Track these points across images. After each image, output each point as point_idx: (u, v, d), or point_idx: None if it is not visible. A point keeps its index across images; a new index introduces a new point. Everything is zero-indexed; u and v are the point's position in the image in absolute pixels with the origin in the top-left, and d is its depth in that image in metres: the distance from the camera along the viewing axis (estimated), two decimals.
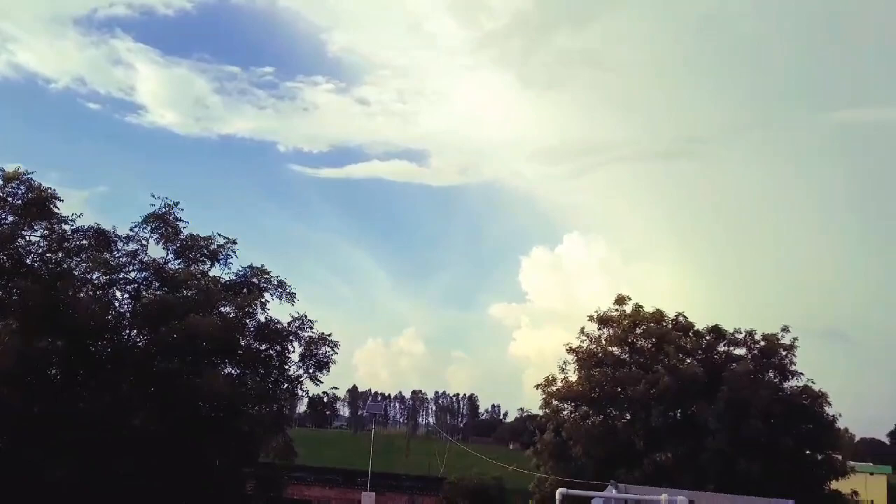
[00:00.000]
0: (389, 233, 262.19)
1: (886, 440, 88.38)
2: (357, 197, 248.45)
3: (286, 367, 33.14)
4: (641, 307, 50.11)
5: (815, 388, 46.84)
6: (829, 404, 46.75)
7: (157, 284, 32.63)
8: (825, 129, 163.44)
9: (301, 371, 33.00)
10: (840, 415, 47.89)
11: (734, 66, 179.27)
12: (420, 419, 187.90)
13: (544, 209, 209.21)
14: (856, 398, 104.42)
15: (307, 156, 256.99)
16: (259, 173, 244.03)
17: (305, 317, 33.30)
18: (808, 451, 46.72)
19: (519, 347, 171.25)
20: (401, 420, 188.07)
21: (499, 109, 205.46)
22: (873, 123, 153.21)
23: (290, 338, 32.97)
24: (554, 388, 49.60)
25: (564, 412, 49.73)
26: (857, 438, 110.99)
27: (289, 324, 33.18)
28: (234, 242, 33.68)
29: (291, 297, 33.90)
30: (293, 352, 33.20)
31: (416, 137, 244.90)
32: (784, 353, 47.57)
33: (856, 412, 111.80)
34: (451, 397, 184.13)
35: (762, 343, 48.32)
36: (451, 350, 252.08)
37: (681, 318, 49.83)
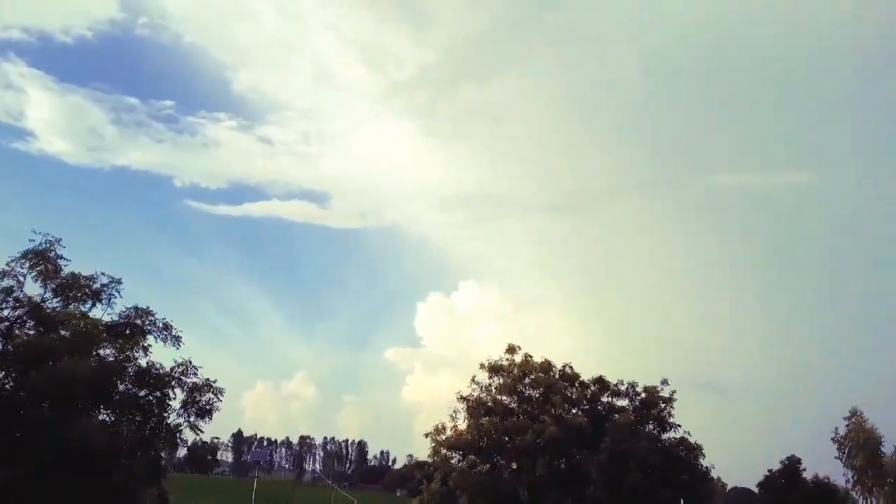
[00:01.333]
0: (286, 273, 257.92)
1: (756, 489, 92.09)
2: (254, 235, 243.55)
3: (166, 414, 31.73)
4: (531, 357, 51.16)
5: (692, 439, 48.95)
6: (704, 455, 48.88)
7: (32, 324, 30.77)
8: (703, 192, 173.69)
9: (181, 419, 31.66)
10: (713, 466, 50.24)
11: (624, 128, 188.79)
12: (307, 465, 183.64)
13: (442, 256, 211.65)
14: (729, 449, 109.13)
15: (204, 192, 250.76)
16: (153, 208, 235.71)
17: (190, 362, 32.07)
18: (683, 501, 48.52)
19: (412, 393, 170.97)
20: (286, 466, 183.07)
21: (402, 157, 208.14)
22: (746, 188, 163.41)
23: (172, 384, 31.64)
24: (443, 437, 49.64)
25: (453, 460, 49.80)
26: (729, 487, 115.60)
27: (172, 369, 31.86)
28: (119, 282, 32.28)
29: (176, 340, 32.59)
30: (174, 398, 31.88)
31: (318, 179, 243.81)
32: (663, 405, 49.53)
33: (729, 462, 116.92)
34: (339, 443, 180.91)
35: (643, 395, 50.14)
36: (342, 394, 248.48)
37: (568, 369, 51.14)
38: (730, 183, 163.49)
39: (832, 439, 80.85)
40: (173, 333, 32.56)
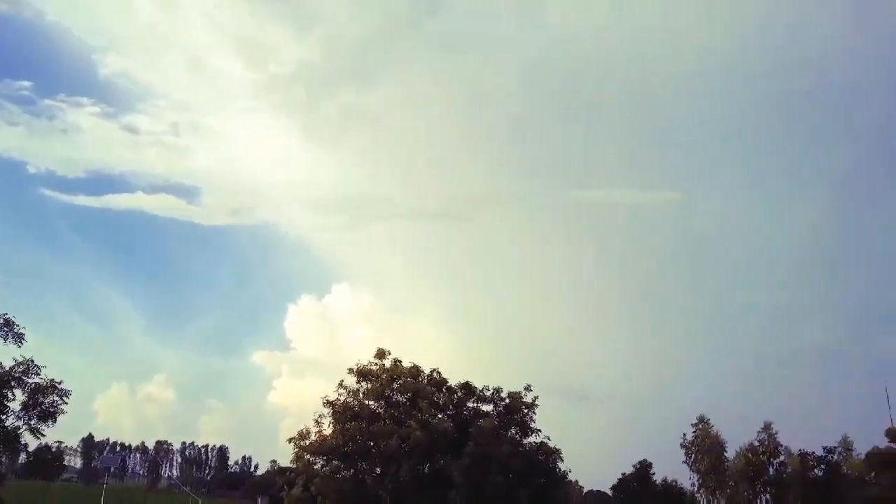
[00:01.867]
0: (149, 271, 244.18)
1: (610, 492, 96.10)
2: (115, 229, 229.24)
3: (3, 416, 29.40)
4: (400, 362, 51.12)
5: (551, 444, 50.39)
6: (562, 459, 50.42)
7: None
8: (574, 205, 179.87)
9: (21, 422, 29.42)
10: (570, 470, 51.96)
11: (500, 139, 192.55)
12: (163, 471, 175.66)
13: (316, 258, 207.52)
14: (588, 453, 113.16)
15: (61, 180, 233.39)
16: (3, 195, 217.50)
17: (32, 361, 29.95)
18: None
19: (279, 397, 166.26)
20: (141, 472, 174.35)
21: (278, 155, 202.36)
22: (615, 203, 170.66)
23: (12, 384, 29.39)
24: (307, 442, 48.71)
25: (316, 466, 48.96)
26: (585, 490, 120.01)
27: (11, 368, 29.62)
28: None
29: (18, 337, 30.35)
30: (13, 399, 29.60)
31: (187, 173, 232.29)
32: (526, 410, 50.71)
33: (587, 466, 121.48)
34: (199, 448, 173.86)
35: (508, 400, 51.16)
36: (206, 398, 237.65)
37: (435, 374, 51.45)
38: (600, 198, 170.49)
39: (681, 445, 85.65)
40: (15, 330, 30.29)
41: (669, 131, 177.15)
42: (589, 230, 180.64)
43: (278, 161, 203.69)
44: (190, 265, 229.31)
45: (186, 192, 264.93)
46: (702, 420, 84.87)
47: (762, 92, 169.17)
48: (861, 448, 70.96)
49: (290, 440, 49.69)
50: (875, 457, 60.13)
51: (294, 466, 50.28)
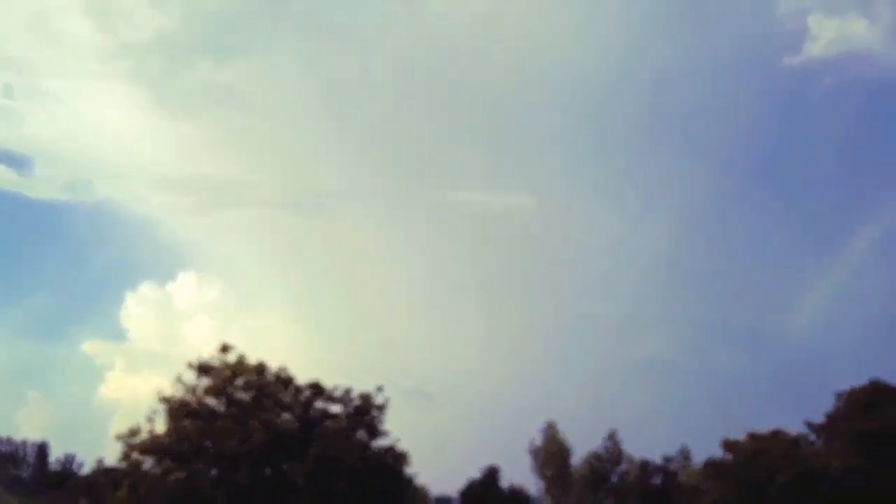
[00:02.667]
0: None
1: (457, 497, 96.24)
2: None
3: None
4: (245, 357, 48.06)
5: (400, 447, 48.95)
6: (410, 463, 49.11)
7: None
8: (438, 205, 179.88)
9: None
10: (418, 473, 50.77)
11: (367, 131, 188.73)
12: None
13: (160, 242, 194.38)
14: (439, 458, 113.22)
15: None
16: None
17: None
18: None
19: (110, 391, 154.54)
20: None
21: (126, 127, 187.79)
22: (479, 205, 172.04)
23: None
24: (137, 440, 44.71)
25: (146, 466, 45.12)
26: (432, 494, 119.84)
27: None
28: None
29: None
30: None
31: (19, 140, 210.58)
32: (376, 412, 49.01)
33: (438, 471, 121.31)
34: (16, 444, 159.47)
35: (358, 401, 49.25)
36: (26, 389, 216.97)
37: (283, 372, 48.74)
38: (459, 199, 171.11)
39: (528, 451, 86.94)
40: None
41: (534, 137, 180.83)
42: (446, 231, 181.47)
43: (126, 134, 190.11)
44: (15, 242, 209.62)
45: (17, 162, 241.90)
46: (550, 426, 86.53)
47: (623, 107, 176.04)
48: (699, 458, 74.12)
49: (117, 437, 45.43)
50: (710, 466, 62.85)
51: (121, 466, 46.22)
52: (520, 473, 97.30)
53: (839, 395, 64.00)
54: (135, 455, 44.55)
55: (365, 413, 48.90)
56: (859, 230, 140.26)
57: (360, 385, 50.19)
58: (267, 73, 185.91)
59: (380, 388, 49.35)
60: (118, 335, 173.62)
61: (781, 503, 55.26)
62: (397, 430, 49.79)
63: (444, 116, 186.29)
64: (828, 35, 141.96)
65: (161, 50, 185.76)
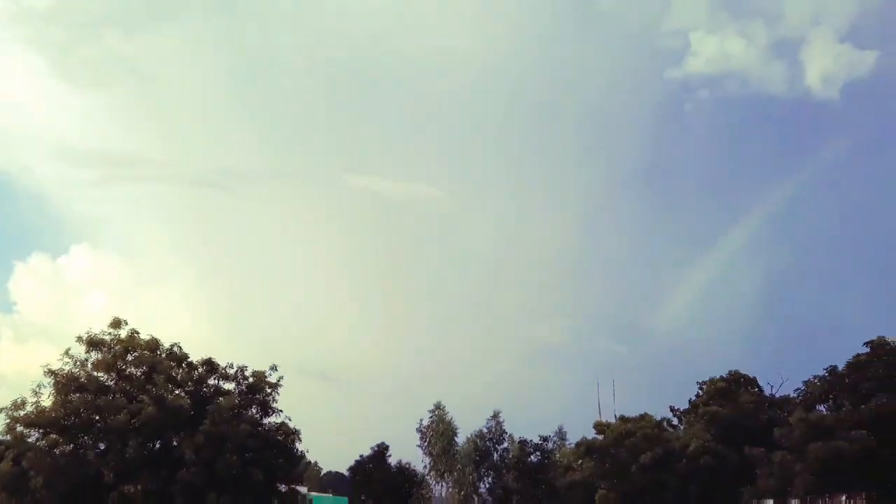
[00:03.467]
0: None
1: (347, 473, 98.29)
2: None
3: None
4: (137, 333, 48.51)
5: (291, 425, 50.55)
6: (300, 440, 50.79)
7: None
8: (344, 190, 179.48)
9: None
10: (308, 450, 52.53)
11: (278, 111, 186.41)
12: None
13: (54, 213, 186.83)
14: (332, 435, 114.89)
15: None
16: None
17: None
18: (277, 484, 49.98)
19: None
20: None
21: (24, 95, 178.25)
22: (385, 193, 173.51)
23: None
24: (22, 413, 44.62)
25: (31, 439, 45.10)
26: (324, 471, 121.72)
27: None
28: None
29: None
30: None
31: None
32: (269, 390, 50.46)
33: (330, 448, 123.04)
34: None
35: (251, 379, 50.56)
36: None
37: (176, 349, 49.46)
38: (368, 185, 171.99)
39: (417, 429, 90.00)
40: None
41: (439, 128, 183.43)
42: (351, 216, 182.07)
43: (23, 102, 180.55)
44: None
45: None
46: (438, 406, 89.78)
47: (523, 105, 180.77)
48: (573, 438, 78.92)
49: (0, 410, 45.22)
50: (581, 446, 67.42)
51: (5, 439, 46.00)
52: (408, 451, 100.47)
53: (701, 384, 70.01)
54: (19, 428, 44.52)
55: (258, 391, 50.35)
56: (727, 232, 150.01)
57: (259, 365, 51.61)
58: (176, 47, 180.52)
59: (273, 367, 50.88)
60: (5, 306, 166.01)
61: (642, 479, 60.29)
62: (292, 408, 51.51)
63: (352, 102, 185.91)
64: (707, 52, 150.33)
65: (65, 18, 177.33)
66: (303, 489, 55.07)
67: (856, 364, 58.27)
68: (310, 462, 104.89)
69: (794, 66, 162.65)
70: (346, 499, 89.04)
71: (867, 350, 58.18)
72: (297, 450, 50.75)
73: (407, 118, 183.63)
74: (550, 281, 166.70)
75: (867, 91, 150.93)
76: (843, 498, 50.44)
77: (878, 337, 58.37)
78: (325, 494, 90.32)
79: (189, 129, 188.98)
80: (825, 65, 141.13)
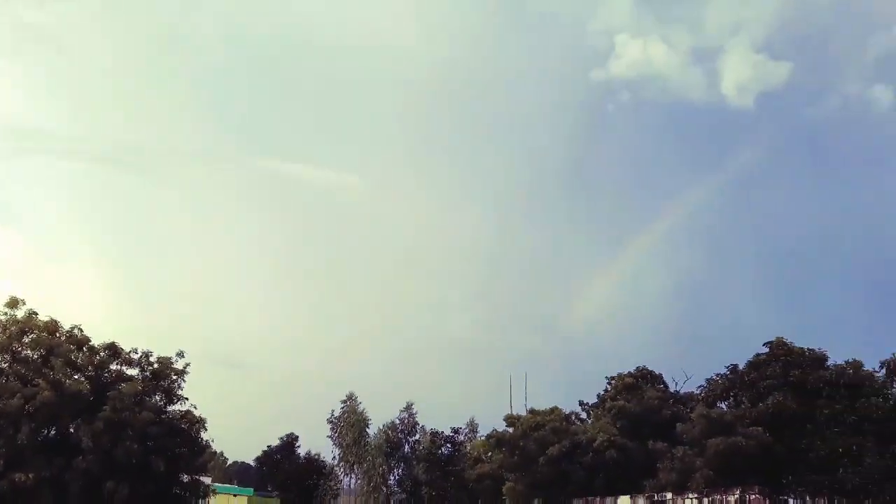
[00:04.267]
0: None
1: (254, 464, 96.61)
2: None
3: None
4: (36, 314, 46.13)
5: (197, 413, 49.09)
6: (206, 429, 49.41)
7: None
8: (260, 174, 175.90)
9: None
10: (213, 440, 51.17)
11: (195, 89, 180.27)
12: None
13: None
14: (241, 425, 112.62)
15: None
16: None
17: None
18: (180, 474, 48.46)
19: None
20: None
21: None
22: (303, 179, 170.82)
23: None
24: None
25: None
26: (229, 462, 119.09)
27: None
28: None
29: None
30: None
31: None
32: (175, 377, 48.83)
33: (238, 438, 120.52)
34: None
35: (156, 365, 48.83)
36: None
37: (77, 332, 47.28)
38: (289, 171, 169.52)
39: (328, 420, 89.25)
40: None
41: (364, 119, 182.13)
42: (270, 202, 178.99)
43: None
44: None
45: None
46: (350, 397, 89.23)
47: (449, 101, 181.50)
48: (485, 430, 79.73)
49: None
50: (492, 438, 68.04)
51: None
52: (318, 442, 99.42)
53: (609, 379, 71.74)
54: None
55: (163, 377, 48.66)
56: (641, 232, 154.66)
57: (165, 350, 49.87)
58: (91, 18, 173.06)
59: (180, 354, 49.28)
60: None
61: (549, 471, 61.28)
62: (199, 396, 50.05)
63: (275, 87, 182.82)
64: (631, 55, 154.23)
65: None
66: (207, 479, 53.45)
67: (755, 363, 60.65)
68: (215, 452, 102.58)
69: (712, 73, 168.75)
70: (251, 490, 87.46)
71: (766, 350, 60.64)
72: (202, 439, 49.50)
73: (328, 106, 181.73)
74: (467, 273, 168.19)
75: (779, 101, 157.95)
76: (738, 491, 52.45)
77: (777, 338, 60.91)
78: (230, 485, 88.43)
79: (100, 103, 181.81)
80: (741, 74, 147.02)
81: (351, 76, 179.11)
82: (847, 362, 58.43)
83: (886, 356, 56.20)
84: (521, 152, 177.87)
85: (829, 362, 59.35)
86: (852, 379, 56.79)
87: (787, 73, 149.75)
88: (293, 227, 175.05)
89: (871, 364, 57.74)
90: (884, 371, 56.60)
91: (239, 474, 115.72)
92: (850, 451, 53.46)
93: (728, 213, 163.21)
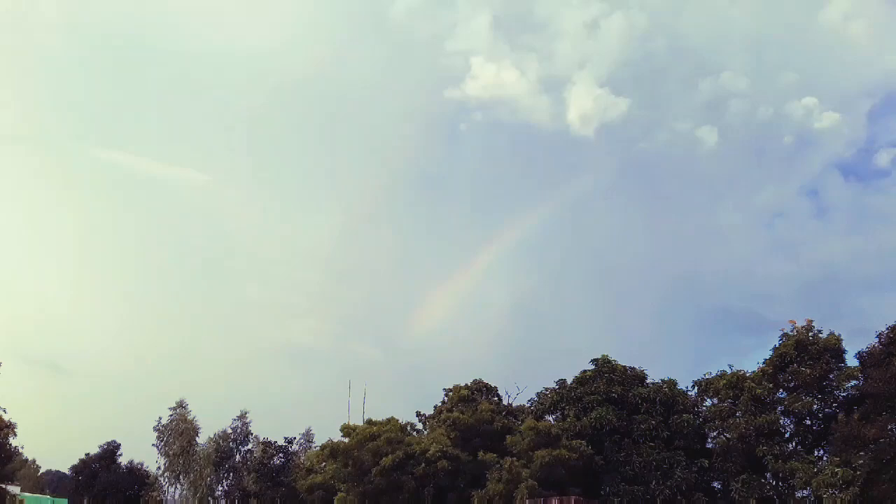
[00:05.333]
0: None
1: (69, 472, 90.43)
2: None
3: None
4: None
5: (6, 417, 45.61)
6: (15, 434, 46.01)
7: None
8: (94, 166, 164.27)
9: None
10: (23, 446, 47.63)
11: (26, 72, 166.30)
12: None
13: None
14: (55, 431, 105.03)
15: None
16: None
17: None
18: None
19: None
20: None
21: None
22: (141, 172, 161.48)
23: None
24: None
25: None
26: (42, 470, 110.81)
27: None
28: None
29: None
30: None
31: None
32: None
33: (52, 444, 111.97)
34: None
35: None
36: None
37: None
38: (124, 162, 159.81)
39: (154, 428, 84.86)
40: None
41: (214, 116, 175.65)
42: (101, 193, 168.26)
43: None
44: None
45: None
46: (180, 405, 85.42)
47: (308, 106, 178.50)
48: (323, 440, 78.53)
49: None
50: (326, 448, 67.23)
51: None
52: (144, 451, 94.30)
53: (447, 391, 73.02)
54: None
55: None
56: (484, 249, 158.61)
57: None
58: None
59: None
60: None
61: (382, 482, 61.18)
62: (11, 399, 46.55)
63: (117, 74, 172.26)
64: (485, 77, 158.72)
65: None
66: (14, 489, 49.63)
67: (582, 379, 63.95)
68: (27, 459, 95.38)
69: (559, 102, 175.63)
70: (65, 500, 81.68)
71: (592, 367, 64.09)
72: (11, 445, 46.12)
73: (178, 100, 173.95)
74: (308, 280, 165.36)
75: (617, 133, 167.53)
76: (555, 501, 54.89)
77: (602, 355, 64.61)
78: (41, 496, 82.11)
79: None
80: (584, 105, 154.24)
81: (208, 78, 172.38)
82: (663, 380, 62.91)
83: (699, 376, 61.05)
84: (373, 162, 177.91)
85: (648, 380, 63.70)
86: (667, 396, 61.14)
87: (625, 107, 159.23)
88: (128, 222, 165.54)
89: (685, 383, 62.58)
90: (696, 390, 61.36)
91: (53, 484, 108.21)
92: (662, 464, 57.43)
93: (566, 235, 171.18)
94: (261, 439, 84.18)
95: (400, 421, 69.28)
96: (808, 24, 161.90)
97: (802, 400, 53.45)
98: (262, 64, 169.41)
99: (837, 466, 48.60)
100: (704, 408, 60.47)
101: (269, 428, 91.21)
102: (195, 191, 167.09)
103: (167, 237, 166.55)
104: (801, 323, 56.34)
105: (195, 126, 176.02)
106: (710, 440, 59.73)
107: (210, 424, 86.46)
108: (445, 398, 72.61)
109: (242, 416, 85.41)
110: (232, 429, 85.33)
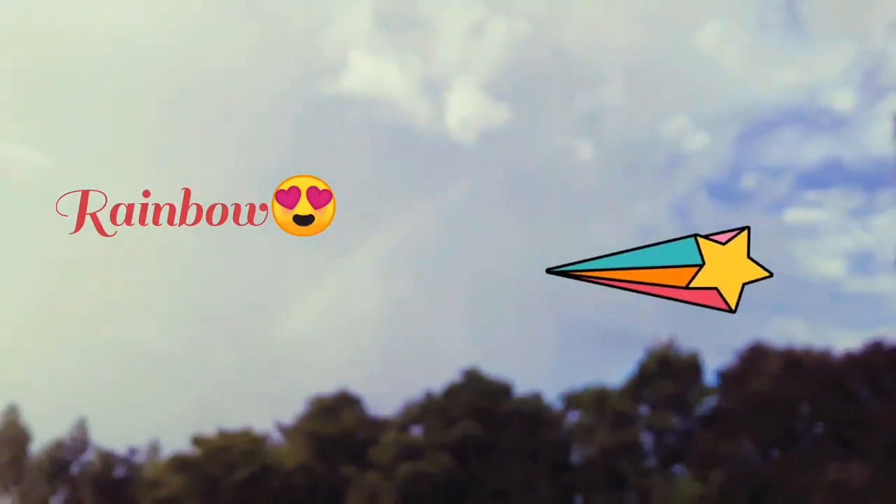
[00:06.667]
0: None
1: None
2: None
3: None
4: None
5: None
6: None
7: None
8: None
9: None
10: None
11: None
12: None
13: None
14: None
15: None
16: None
17: None
18: None
19: None
20: None
21: None
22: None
23: None
24: None
25: None
26: None
27: None
28: None
29: None
30: None
31: None
32: None
33: None
34: None
35: None
36: None
37: None
38: None
39: None
40: None
41: (73, 96, 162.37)
42: None
43: None
44: None
45: None
46: (12, 410, 78.24)
47: (181, 96, 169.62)
48: (169, 451, 73.34)
49: None
50: (175, 460, 62.73)
51: None
52: None
53: (309, 400, 69.75)
54: None
55: None
56: (358, 251, 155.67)
57: None
58: None
59: None
60: None
61: (234, 497, 57.50)
62: None
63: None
64: (363, 73, 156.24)
65: None
66: None
67: (450, 391, 62.58)
68: None
69: (439, 105, 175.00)
70: None
71: (461, 378, 62.88)
72: None
73: (28, 76, 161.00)
74: (161, 278, 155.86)
75: (496, 140, 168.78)
76: None
77: (471, 367, 63.51)
78: None
79: None
80: (465, 110, 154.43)
81: (66, 56, 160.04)
82: (530, 393, 62.54)
83: (567, 387, 61.08)
84: (239, 155, 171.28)
85: (515, 393, 63.12)
86: (534, 409, 60.77)
87: (506, 114, 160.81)
88: None
89: (553, 393, 62.44)
90: (563, 403, 61.37)
91: None
92: (527, 480, 56.83)
93: (441, 240, 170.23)
94: (103, 449, 78.02)
95: (257, 432, 65.57)
96: (685, 45, 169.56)
97: (662, 416, 54.27)
98: (129, 48, 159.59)
99: (694, 482, 49.47)
100: (570, 422, 60.53)
101: (116, 437, 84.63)
102: (39, 174, 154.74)
103: (8, 223, 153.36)
104: (665, 339, 57.39)
105: (41, 104, 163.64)
106: (574, 455, 59.78)
107: (46, 432, 79.49)
108: (307, 408, 69.42)
109: (81, 424, 78.84)
110: (70, 437, 78.61)
